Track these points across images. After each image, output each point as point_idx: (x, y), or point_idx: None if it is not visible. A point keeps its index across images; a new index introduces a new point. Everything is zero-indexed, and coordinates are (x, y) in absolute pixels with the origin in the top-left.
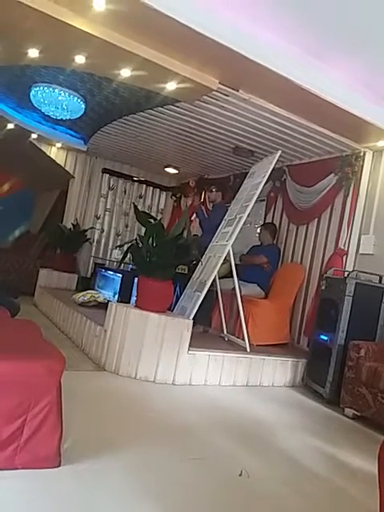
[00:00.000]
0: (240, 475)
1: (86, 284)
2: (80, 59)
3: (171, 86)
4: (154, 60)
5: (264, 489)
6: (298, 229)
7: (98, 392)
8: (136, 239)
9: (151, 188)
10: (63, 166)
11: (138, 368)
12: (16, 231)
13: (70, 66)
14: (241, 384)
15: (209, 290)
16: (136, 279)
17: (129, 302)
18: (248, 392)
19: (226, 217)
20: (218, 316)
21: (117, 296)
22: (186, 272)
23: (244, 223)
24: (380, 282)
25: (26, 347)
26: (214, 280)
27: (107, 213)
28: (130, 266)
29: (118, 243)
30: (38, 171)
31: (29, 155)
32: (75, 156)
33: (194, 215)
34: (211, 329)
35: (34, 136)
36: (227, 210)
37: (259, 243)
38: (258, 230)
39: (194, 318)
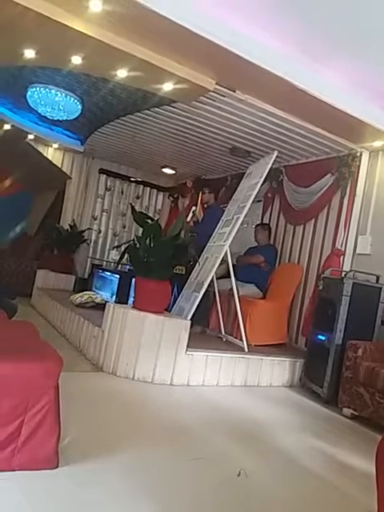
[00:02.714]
0: (238, 475)
1: (83, 285)
2: (76, 60)
3: (168, 86)
4: (150, 61)
5: (262, 489)
6: (295, 229)
7: (96, 393)
8: (133, 240)
9: (148, 188)
10: (60, 166)
11: (136, 369)
12: (13, 232)
13: (67, 66)
14: (239, 384)
15: (206, 291)
16: (133, 280)
17: (126, 303)
18: (246, 392)
19: (223, 217)
20: (215, 316)
21: (114, 297)
22: (184, 273)
23: (241, 224)
24: (377, 281)
25: (24, 349)
26: (212, 280)
27: (104, 213)
28: (128, 266)
29: (116, 244)
30: (35, 172)
31: (26, 156)
32: (72, 157)
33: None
34: (209, 329)
35: (30, 137)
36: (222, 211)
37: (256, 244)
38: (254, 232)
39: (192, 319)
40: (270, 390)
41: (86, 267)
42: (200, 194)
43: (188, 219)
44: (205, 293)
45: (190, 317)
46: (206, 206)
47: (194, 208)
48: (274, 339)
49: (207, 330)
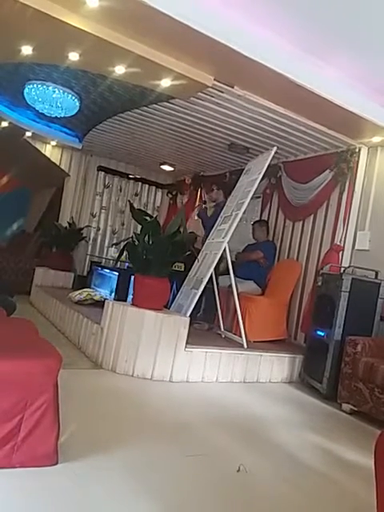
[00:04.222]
0: (238, 471)
1: (82, 282)
2: (74, 56)
3: (166, 82)
4: (148, 57)
5: (262, 484)
6: (293, 225)
7: (95, 390)
8: (132, 237)
9: (147, 185)
10: (58, 163)
11: (135, 365)
12: (12, 230)
13: (64, 63)
14: (238, 380)
15: (211, 288)
16: (132, 277)
17: (125, 300)
18: (245, 388)
19: (221, 214)
20: (215, 313)
21: (113, 294)
22: (183, 269)
23: (240, 220)
24: (376, 277)
25: (23, 346)
26: (211, 277)
27: (103, 211)
28: (127, 263)
29: (114, 241)
30: (33, 169)
31: (23, 153)
32: (70, 154)
33: (196, 216)
34: (216, 326)
35: (28, 134)
36: None
37: (254, 241)
38: (251, 229)
39: (198, 316)
40: (270, 386)
41: (85, 265)
42: (200, 191)
43: (196, 218)
44: (210, 290)
45: (189, 313)
46: (214, 203)
47: (204, 206)
48: (273, 335)
49: (214, 327)
